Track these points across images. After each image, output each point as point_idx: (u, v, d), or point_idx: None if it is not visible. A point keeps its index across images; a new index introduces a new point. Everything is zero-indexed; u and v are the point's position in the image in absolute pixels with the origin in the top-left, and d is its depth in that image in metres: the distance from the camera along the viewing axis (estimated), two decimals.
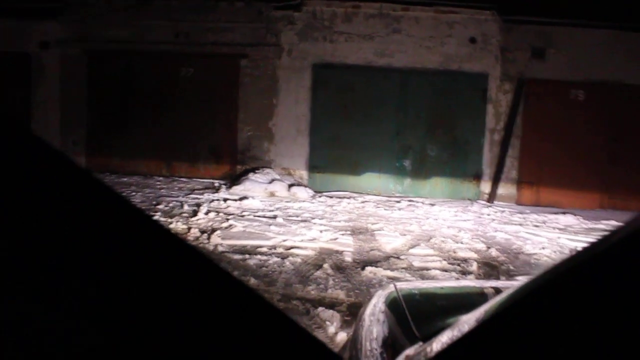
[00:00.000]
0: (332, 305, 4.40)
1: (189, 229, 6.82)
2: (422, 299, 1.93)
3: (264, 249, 6.11)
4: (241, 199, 9.05)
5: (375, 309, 1.80)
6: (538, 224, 8.78)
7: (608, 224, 8.91)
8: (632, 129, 10.70)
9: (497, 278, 5.61)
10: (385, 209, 9.33)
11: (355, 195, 10.54)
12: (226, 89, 11.32)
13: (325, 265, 5.54)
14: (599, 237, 0.72)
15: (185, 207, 8.21)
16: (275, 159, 11.27)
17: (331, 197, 10.23)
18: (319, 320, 4.06)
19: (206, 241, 6.28)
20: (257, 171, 10.55)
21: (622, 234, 0.69)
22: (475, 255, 6.45)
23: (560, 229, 8.51)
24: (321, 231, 7.13)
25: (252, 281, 4.90)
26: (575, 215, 9.51)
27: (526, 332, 0.69)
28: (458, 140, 11.06)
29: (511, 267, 6.05)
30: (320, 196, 10.20)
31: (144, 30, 11.31)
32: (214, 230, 6.81)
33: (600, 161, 10.83)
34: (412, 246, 6.73)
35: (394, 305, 1.69)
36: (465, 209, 9.72)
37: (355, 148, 11.06)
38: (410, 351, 1.21)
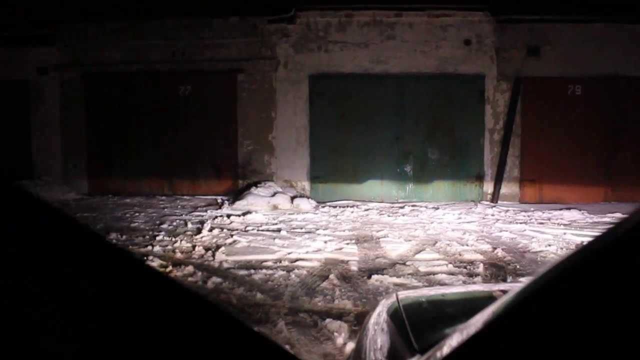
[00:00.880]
0: (339, 315, 4.38)
1: (194, 247, 6.81)
2: (425, 307, 1.92)
3: (269, 263, 6.09)
4: (244, 213, 9.05)
5: (379, 318, 1.80)
6: (543, 221, 8.75)
7: (613, 217, 8.88)
8: (631, 120, 10.71)
9: (505, 279, 5.58)
10: (389, 216, 9.31)
11: (358, 203, 10.53)
12: (224, 105, 11.36)
13: (331, 276, 5.52)
14: (604, 230, 0.71)
15: (189, 225, 8.21)
16: (277, 172, 11.29)
17: (334, 206, 10.22)
18: (327, 332, 4.04)
19: (211, 258, 6.27)
20: (259, 185, 10.55)
21: (626, 226, 0.69)
22: (481, 257, 6.42)
23: (565, 224, 8.48)
24: (326, 242, 7.12)
25: (259, 296, 4.88)
26: (579, 210, 9.48)
27: (532, 331, 0.69)
28: (458, 143, 11.06)
29: (518, 267, 6.02)
30: (323, 206, 10.19)
31: (139, 51, 11.37)
32: (218, 246, 6.80)
33: (602, 154, 10.83)
34: (418, 251, 6.71)
35: (395, 315, 1.68)
36: (469, 211, 9.70)
37: (355, 156, 11.07)
38: None
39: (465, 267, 5.93)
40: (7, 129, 11.87)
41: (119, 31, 11.46)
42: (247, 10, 11.08)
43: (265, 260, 6.20)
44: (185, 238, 7.27)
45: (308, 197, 10.59)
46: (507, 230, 7.96)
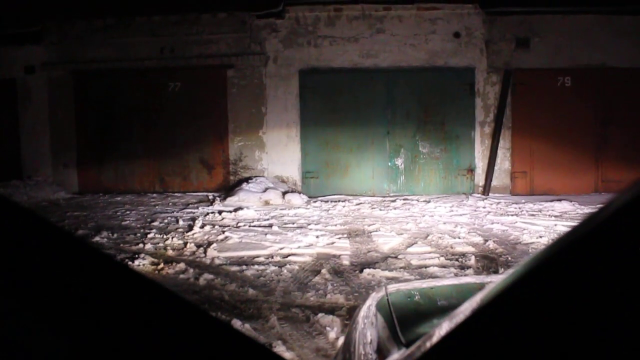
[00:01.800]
0: (332, 310, 4.38)
1: (185, 244, 6.79)
2: (414, 300, 1.92)
3: (261, 259, 6.08)
4: (236, 210, 9.03)
5: (369, 311, 1.79)
6: (534, 213, 8.78)
7: None
8: (620, 111, 10.76)
9: (496, 270, 5.59)
10: (380, 210, 9.31)
11: (349, 197, 10.54)
12: (214, 101, 11.32)
13: (323, 271, 5.51)
14: (587, 216, 0.71)
15: (181, 222, 8.19)
16: (268, 167, 11.27)
17: (326, 201, 10.22)
18: (319, 326, 4.03)
19: (203, 255, 6.25)
20: (250, 181, 10.53)
21: (608, 210, 0.69)
22: (473, 249, 6.44)
23: (556, 216, 8.52)
24: (317, 236, 7.12)
25: (251, 292, 4.87)
26: (570, 201, 9.52)
27: (520, 317, 0.68)
28: (449, 136, 11.07)
29: (509, 259, 6.04)
30: (315, 201, 10.19)
31: (127, 48, 11.30)
32: (210, 243, 6.78)
33: (592, 145, 10.89)
34: (410, 245, 6.71)
35: (383, 308, 1.67)
36: (461, 204, 9.72)
37: (347, 151, 11.07)
38: (394, 357, 1.19)
39: (457, 260, 5.94)
40: None
41: (107, 28, 11.38)
42: (236, 6, 11.04)
43: (257, 256, 6.19)
44: (176, 235, 7.25)
45: (299, 192, 10.58)
46: (498, 223, 7.99)
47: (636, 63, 10.60)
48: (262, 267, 5.69)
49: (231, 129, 11.33)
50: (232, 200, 9.81)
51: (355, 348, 1.58)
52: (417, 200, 10.11)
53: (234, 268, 5.68)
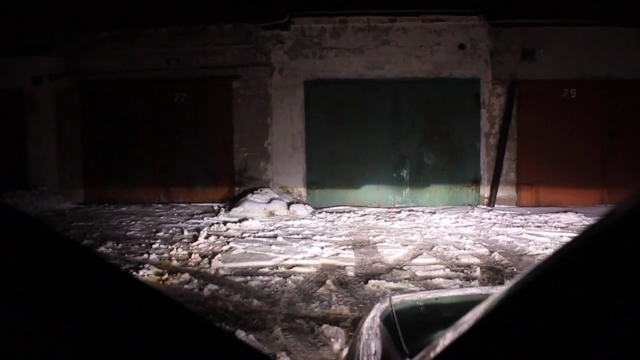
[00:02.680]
0: (336, 321, 4.36)
1: (190, 254, 6.79)
2: (419, 311, 1.91)
3: (266, 270, 6.07)
4: (241, 220, 9.02)
5: (373, 322, 1.78)
6: (540, 225, 8.74)
7: None
8: (626, 122, 10.72)
9: (502, 282, 5.56)
10: (385, 221, 9.29)
11: (354, 208, 10.52)
12: (220, 111, 11.35)
13: (328, 282, 5.50)
14: (589, 226, 0.71)
15: (185, 233, 8.19)
16: (273, 178, 11.27)
17: (331, 212, 10.21)
18: (324, 337, 4.01)
19: (207, 266, 6.24)
20: (255, 191, 10.53)
21: (610, 220, 0.68)
22: (478, 261, 6.41)
23: (562, 227, 8.48)
24: (322, 247, 7.10)
25: (255, 303, 4.86)
26: (576, 212, 9.48)
27: (523, 325, 0.68)
28: (454, 147, 11.06)
29: (515, 270, 6.01)
30: (320, 212, 10.17)
31: (134, 59, 11.37)
32: (214, 254, 6.77)
33: (598, 157, 10.85)
34: (415, 256, 6.69)
35: (388, 319, 1.66)
36: (466, 215, 9.69)
37: (352, 162, 11.07)
38: None
39: (462, 271, 5.91)
40: (2, 139, 11.84)
41: (114, 39, 11.46)
42: (241, 17, 11.10)
43: (262, 267, 6.18)
44: (181, 246, 7.25)
45: (304, 203, 10.57)
46: (504, 234, 7.96)
47: None
48: (266, 278, 5.68)
49: (236, 140, 11.35)
50: (237, 211, 9.81)
51: (359, 359, 1.57)
52: (423, 212, 10.09)
53: (239, 279, 5.67)
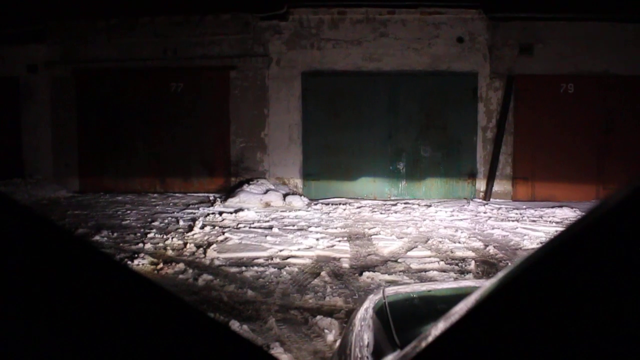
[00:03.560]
0: (330, 312, 4.37)
1: (185, 244, 6.78)
2: (412, 302, 1.91)
3: (261, 260, 6.08)
4: (236, 211, 9.02)
5: (366, 314, 1.78)
6: (535, 219, 8.77)
7: None
8: (622, 118, 10.74)
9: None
10: (381, 213, 9.30)
11: (350, 200, 10.52)
12: (217, 102, 11.32)
13: (323, 273, 5.51)
14: (584, 215, 0.72)
15: (181, 223, 8.18)
16: (269, 169, 11.26)
17: (327, 204, 10.21)
18: (318, 329, 4.02)
19: (202, 256, 6.24)
20: (251, 182, 10.52)
21: (602, 209, 0.69)
22: (473, 254, 6.43)
23: (557, 222, 8.50)
24: (318, 239, 7.10)
25: (250, 293, 4.86)
26: (571, 207, 9.50)
27: (515, 315, 0.69)
28: (451, 140, 11.06)
29: (510, 264, 6.02)
30: (315, 204, 10.18)
31: (131, 48, 11.31)
32: (210, 244, 6.77)
33: (594, 152, 10.86)
34: (410, 249, 6.70)
35: (380, 311, 1.66)
36: (462, 208, 9.70)
37: (348, 154, 11.06)
38: (388, 359, 1.18)
39: (457, 264, 5.93)
40: None
41: (110, 28, 11.39)
42: (239, 7, 11.05)
43: (257, 258, 6.19)
44: (176, 235, 7.25)
45: (300, 195, 10.57)
46: (499, 228, 7.97)
47: (638, 71, 10.58)
48: (261, 269, 5.68)
49: (233, 130, 11.33)
50: (233, 202, 9.80)
51: (352, 350, 1.57)
52: (418, 205, 10.09)
53: (234, 269, 5.67)
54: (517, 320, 0.66)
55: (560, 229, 7.59)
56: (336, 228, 8.02)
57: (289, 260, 6.08)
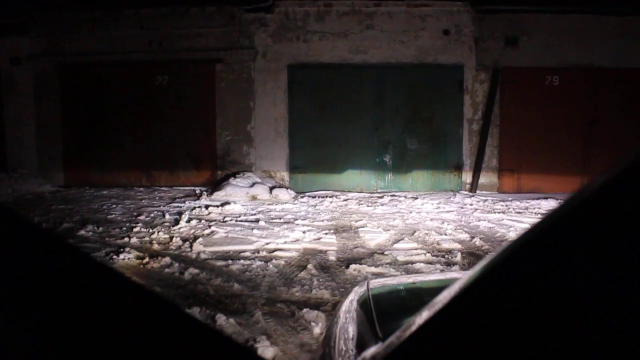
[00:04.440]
0: (317, 305, 4.37)
1: (171, 238, 6.75)
2: (397, 294, 1.91)
3: (247, 254, 6.06)
4: (223, 204, 8.99)
5: (351, 306, 1.77)
6: (520, 211, 8.82)
7: None
8: (606, 111, 10.83)
9: None
10: (368, 206, 9.31)
11: (337, 193, 10.53)
12: (203, 95, 11.25)
13: (309, 266, 5.51)
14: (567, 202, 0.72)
15: (167, 217, 8.13)
16: (256, 162, 11.23)
17: (313, 197, 10.21)
18: (304, 321, 4.02)
19: (188, 249, 6.22)
20: (237, 176, 10.49)
21: (582, 196, 0.70)
22: (459, 246, 6.46)
23: (542, 214, 8.55)
24: (304, 232, 7.10)
25: (236, 287, 4.85)
26: (557, 199, 9.58)
27: (497, 302, 0.69)
28: (437, 133, 11.09)
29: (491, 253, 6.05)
30: (302, 197, 10.17)
31: (115, 41, 11.21)
32: (196, 237, 6.74)
33: (579, 144, 10.95)
34: (396, 241, 6.72)
35: (364, 304, 1.66)
36: (448, 200, 9.74)
37: (335, 146, 11.06)
38: (369, 352, 1.18)
39: (443, 256, 5.95)
40: None
41: (94, 20, 11.27)
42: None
43: (243, 251, 6.17)
44: (162, 229, 7.21)
45: (287, 188, 10.55)
46: (485, 220, 8.02)
47: (622, 63, 10.67)
48: (248, 262, 5.67)
49: (219, 124, 11.27)
50: (219, 195, 9.77)
51: (336, 342, 1.57)
52: (405, 197, 10.12)
53: (220, 263, 5.65)
54: (498, 307, 0.66)
55: None
56: (323, 221, 8.02)
57: (276, 253, 6.08)
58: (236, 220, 7.91)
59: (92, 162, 11.53)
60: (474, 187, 10.98)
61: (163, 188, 11.10)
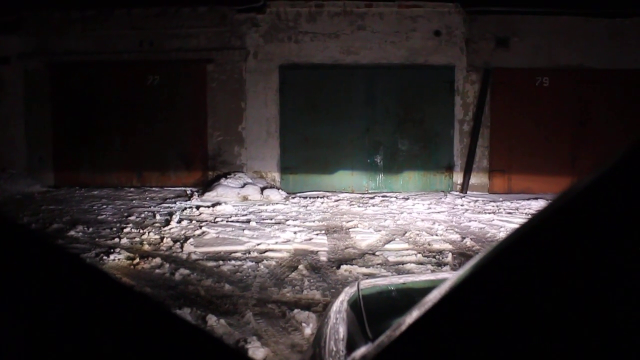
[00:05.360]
0: (308, 306, 4.37)
1: (162, 238, 6.72)
2: (387, 295, 1.91)
3: (238, 254, 6.05)
4: (214, 205, 8.97)
5: (341, 306, 1.78)
6: (511, 211, 8.86)
7: None
8: (596, 112, 10.91)
9: None
10: (359, 206, 9.32)
11: (328, 194, 10.53)
12: (194, 95, 11.23)
13: (301, 267, 5.50)
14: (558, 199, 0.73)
15: (158, 217, 8.11)
16: (247, 163, 11.21)
17: (304, 197, 10.21)
18: (295, 322, 4.02)
19: (179, 250, 6.20)
20: (229, 176, 10.47)
21: (571, 194, 0.71)
22: (450, 247, 6.47)
23: (533, 214, 8.58)
24: (295, 232, 7.10)
25: (227, 287, 4.84)
26: (547, 200, 9.59)
27: (487, 300, 0.70)
28: (428, 133, 11.12)
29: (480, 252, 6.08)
30: (293, 197, 10.17)
31: (106, 40, 11.16)
32: (187, 238, 6.73)
33: (569, 145, 11.01)
34: (387, 241, 6.73)
35: (354, 304, 1.67)
36: (439, 201, 9.77)
37: (326, 147, 11.06)
38: (359, 352, 1.18)
39: (434, 257, 5.97)
40: None
41: (85, 20, 11.22)
42: (216, 0, 10.95)
43: (234, 252, 6.16)
44: (153, 230, 7.18)
45: (278, 188, 10.54)
46: (476, 220, 8.05)
47: (612, 65, 10.75)
48: (239, 263, 5.66)
49: (210, 124, 11.25)
50: (210, 196, 9.75)
51: (326, 343, 1.57)
52: (396, 198, 10.14)
53: (211, 263, 5.64)
54: (486, 306, 0.67)
55: None
56: (314, 221, 8.02)
57: (267, 254, 6.07)
58: (227, 221, 7.90)
59: (83, 163, 11.47)
60: (464, 188, 11.02)
61: (154, 188, 11.06)
